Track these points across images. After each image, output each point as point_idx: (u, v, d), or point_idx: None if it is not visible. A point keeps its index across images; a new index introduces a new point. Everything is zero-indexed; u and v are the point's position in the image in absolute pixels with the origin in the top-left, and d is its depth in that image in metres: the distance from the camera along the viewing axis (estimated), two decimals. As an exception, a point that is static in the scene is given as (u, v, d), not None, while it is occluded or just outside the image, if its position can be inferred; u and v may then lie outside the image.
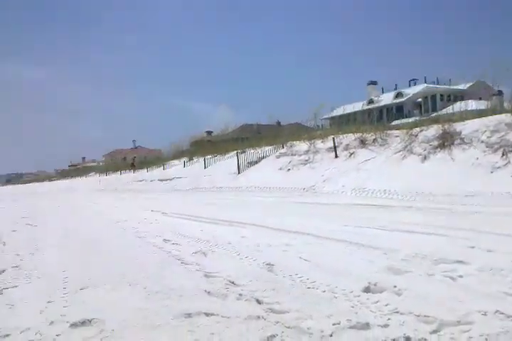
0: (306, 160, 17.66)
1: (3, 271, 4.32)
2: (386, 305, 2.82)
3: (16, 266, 4.50)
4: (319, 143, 18.37)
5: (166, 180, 28.39)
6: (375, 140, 15.43)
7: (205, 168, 26.86)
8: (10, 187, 59.37)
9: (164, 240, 5.74)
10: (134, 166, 41.45)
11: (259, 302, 3.02)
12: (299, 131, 23.58)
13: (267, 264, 4.10)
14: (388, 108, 44.63)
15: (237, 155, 23.09)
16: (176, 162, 33.59)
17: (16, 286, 3.75)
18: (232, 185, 19.81)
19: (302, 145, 19.31)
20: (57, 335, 2.56)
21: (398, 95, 45.51)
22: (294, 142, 20.58)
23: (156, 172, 33.89)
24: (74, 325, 2.66)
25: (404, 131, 14.67)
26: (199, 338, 2.37)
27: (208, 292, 3.27)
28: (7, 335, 2.65)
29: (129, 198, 18.33)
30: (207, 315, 2.76)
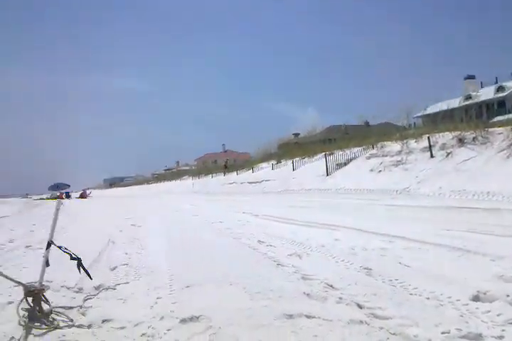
0: (399, 161, 17.03)
1: (115, 268, 4.68)
2: (499, 315, 2.65)
3: (126, 264, 4.85)
4: (412, 143, 17.64)
5: (255, 182, 28.92)
6: (475, 138, 14.46)
7: (293, 170, 26.97)
8: (113, 190, 63.99)
9: (259, 241, 5.87)
10: (226, 168, 42.73)
11: (360, 306, 2.98)
12: (390, 131, 22.81)
13: (365, 268, 4.03)
14: (488, 103, 41.50)
15: (325, 157, 22.92)
16: (264, 165, 34.11)
17: (127, 283, 4.04)
18: (321, 187, 19.69)
19: (394, 146, 18.67)
20: (167, 330, 2.73)
21: (499, 89, 42.10)
22: (385, 142, 19.96)
23: (246, 175, 34.68)
24: (183, 321, 2.82)
25: (509, 127, 13.60)
26: (303, 339, 2.41)
27: (307, 294, 3.30)
28: (122, 328, 2.88)
29: (220, 200, 18.96)
30: (308, 317, 2.78)
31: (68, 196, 39.64)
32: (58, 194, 42.87)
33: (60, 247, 3.24)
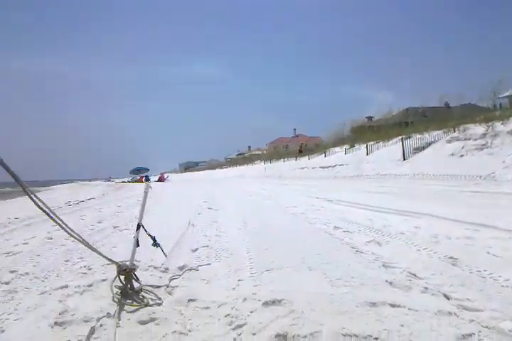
0: (483, 145, 16.01)
1: (196, 250, 4.86)
2: None
3: (206, 246, 5.01)
4: (499, 126, 16.47)
5: (328, 167, 28.59)
6: None
7: (367, 154, 26.31)
8: (188, 174, 66.16)
9: (335, 227, 5.81)
10: (301, 152, 42.52)
11: (447, 297, 2.87)
12: (472, 113, 21.42)
13: (450, 258, 3.86)
14: None
15: (402, 141, 22.09)
16: (336, 149, 33.57)
17: (209, 264, 4.18)
18: (397, 173, 19.04)
19: (477, 129, 17.55)
20: (251, 312, 2.79)
21: None
22: (467, 125, 18.81)
23: (318, 159, 34.36)
24: (265, 304, 2.88)
25: None
26: (389, 328, 2.36)
27: (390, 282, 3.22)
28: (207, 308, 2.99)
29: (293, 185, 18.96)
30: (392, 306, 2.72)
31: (148, 179, 41.60)
32: (138, 177, 45.33)
33: (146, 231, 3.43)
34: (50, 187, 42.99)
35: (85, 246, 3.04)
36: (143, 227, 3.36)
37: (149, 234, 3.43)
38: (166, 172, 60.63)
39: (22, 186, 2.43)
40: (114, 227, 6.90)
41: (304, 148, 45.53)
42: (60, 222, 2.72)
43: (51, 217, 2.66)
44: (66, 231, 2.82)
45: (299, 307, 2.75)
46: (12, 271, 4.17)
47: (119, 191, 22.85)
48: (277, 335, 2.38)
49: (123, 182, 45.19)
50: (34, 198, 2.48)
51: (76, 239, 2.95)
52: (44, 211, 2.60)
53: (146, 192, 3.40)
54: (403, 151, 21.50)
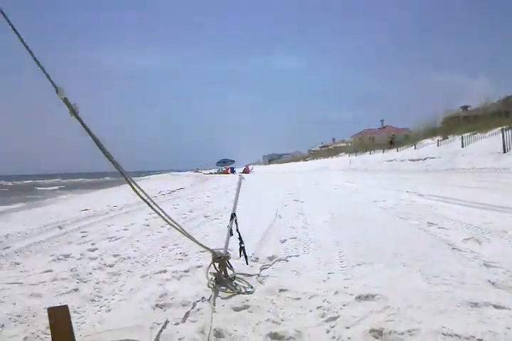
0: None
1: (284, 241, 4.90)
2: None
3: (294, 238, 5.04)
4: None
5: (418, 160, 27.35)
6: None
7: (462, 146, 24.76)
8: (271, 166, 66.82)
9: (428, 223, 5.55)
10: (392, 144, 40.99)
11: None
12: None
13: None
14: None
15: (503, 132, 20.47)
16: (428, 141, 31.96)
17: (298, 256, 4.20)
18: (497, 166, 17.72)
19: None
20: (343, 305, 2.76)
21: None
22: None
23: (407, 152, 32.99)
24: (358, 298, 2.83)
25: None
26: (494, 330, 2.21)
27: (493, 283, 3.02)
28: (298, 298, 3.01)
29: (380, 178, 18.41)
30: (496, 307, 2.55)
31: (233, 171, 42.66)
32: (224, 169, 46.66)
33: (236, 223, 3.51)
34: (144, 177, 45.65)
35: (182, 233, 3.20)
36: (235, 220, 3.46)
37: (238, 231, 3.52)
38: (250, 164, 61.70)
39: (125, 176, 2.60)
40: (205, 216, 7.18)
41: (394, 139, 43.77)
42: (158, 211, 2.88)
43: (150, 206, 2.83)
44: (164, 218, 2.98)
45: (394, 303, 2.67)
46: (115, 255, 4.51)
47: (207, 182, 23.71)
48: (372, 330, 2.34)
49: (210, 173, 46.72)
50: (135, 188, 2.65)
51: (173, 226, 3.10)
52: (144, 200, 2.76)
53: (239, 183, 3.48)
54: (504, 143, 19.93)
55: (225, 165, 49.05)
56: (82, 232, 6.24)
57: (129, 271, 3.86)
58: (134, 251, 4.69)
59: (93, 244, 5.14)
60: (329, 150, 68.57)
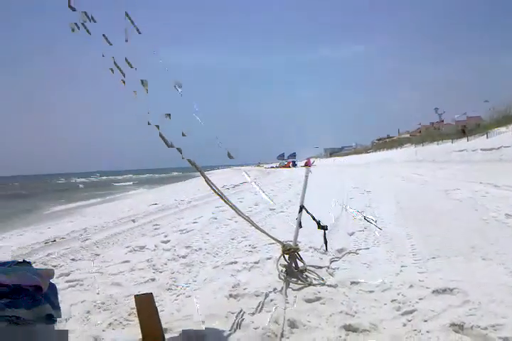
0: None
1: (353, 234, 4.83)
2: None
3: (362, 230, 4.95)
4: None
5: (491, 149, 25.79)
6: None
7: (542, 134, 23.07)
8: (333, 159, 65.79)
9: (507, 215, 5.23)
10: (464, 133, 38.94)
11: None
12: None
13: None
14: None
15: None
16: (502, 129, 30.06)
17: (368, 248, 4.13)
18: None
19: None
20: (419, 299, 2.69)
21: None
22: None
23: (478, 141, 31.24)
24: (436, 292, 2.74)
25: None
26: None
27: None
28: (371, 291, 2.96)
29: (451, 169, 17.59)
30: None
31: (295, 164, 42.54)
32: (286, 162, 46.67)
33: (309, 213, 3.50)
34: (209, 171, 46.66)
35: (252, 225, 3.25)
36: (306, 210, 3.45)
37: (314, 218, 3.48)
38: (311, 157, 61.21)
39: (200, 171, 2.69)
40: (271, 209, 7.23)
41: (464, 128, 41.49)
42: (230, 203, 2.95)
43: (223, 198, 2.90)
44: (236, 211, 3.04)
45: (475, 297, 2.56)
46: (187, 247, 4.66)
47: (269, 176, 23.85)
48: (452, 324, 2.26)
49: (272, 167, 46.91)
50: (209, 182, 2.73)
51: (244, 218, 3.17)
52: (217, 193, 2.84)
53: (306, 176, 3.47)
54: None
55: (287, 159, 49.03)
56: (154, 225, 6.51)
57: (201, 262, 3.98)
58: (205, 242, 4.82)
59: (166, 236, 5.34)
60: (393, 142, 66.42)
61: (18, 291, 1.78)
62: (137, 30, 2.15)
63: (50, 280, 1.98)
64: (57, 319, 1.93)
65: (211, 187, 2.74)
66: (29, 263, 2.09)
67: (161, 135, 2.32)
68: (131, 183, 43.18)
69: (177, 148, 2.40)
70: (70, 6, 1.95)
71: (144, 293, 1.73)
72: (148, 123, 2.24)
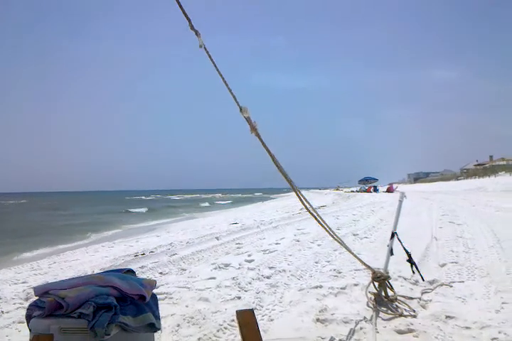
0: None
1: (444, 265, 4.57)
2: None
3: (455, 262, 4.67)
4: None
5: None
6: None
7: None
8: (417, 185, 63.08)
9: None
10: None
11: None
12: None
13: None
14: None
15: None
16: None
17: (462, 282, 3.89)
18: None
19: None
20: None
21: None
22: None
23: None
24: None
25: None
26: None
27: None
28: (468, 328, 2.77)
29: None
30: None
31: (376, 190, 41.31)
32: (367, 187, 45.49)
33: (400, 241, 3.37)
34: (286, 193, 46.74)
35: (345, 248, 3.22)
36: (397, 237, 3.33)
37: (405, 248, 3.35)
38: (394, 183, 59.14)
39: (295, 191, 2.73)
40: (354, 235, 7.06)
41: None
42: (324, 224, 2.95)
43: (316, 218, 2.91)
44: (328, 232, 3.04)
45: None
46: (271, 267, 4.68)
47: (350, 200, 23.31)
48: None
49: (352, 191, 45.92)
50: (304, 202, 2.76)
51: (337, 240, 3.15)
52: (311, 213, 2.86)
53: (400, 201, 3.36)
54: None
55: (368, 184, 47.78)
56: (237, 244, 6.62)
57: (285, 284, 3.97)
58: (288, 264, 4.81)
59: (249, 256, 5.41)
60: (485, 170, 62.37)
61: (125, 299, 1.90)
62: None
63: (153, 291, 2.09)
64: (159, 328, 2.02)
65: (305, 207, 2.77)
66: (134, 272, 2.22)
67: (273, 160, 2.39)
68: (226, 202, 44.23)
69: (277, 165, 2.46)
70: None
71: (245, 309, 1.77)
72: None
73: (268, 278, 4.23)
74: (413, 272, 3.37)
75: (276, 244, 6.38)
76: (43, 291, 1.81)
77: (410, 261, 3.33)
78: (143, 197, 77.60)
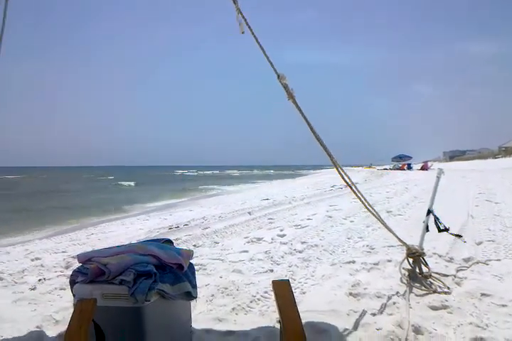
0: None
1: (480, 243, 4.49)
2: None
3: (492, 241, 4.58)
4: None
5: None
6: None
7: None
8: (454, 163, 61.58)
9: None
10: None
11: None
12: None
13: None
14: None
15: None
16: None
17: (499, 260, 3.81)
18: None
19: None
20: None
21: None
22: None
23: None
24: None
25: None
26: None
27: None
28: (504, 305, 2.73)
29: None
30: None
31: (410, 167, 40.56)
32: (400, 165, 44.70)
33: (436, 218, 3.31)
34: (317, 171, 46.53)
35: (381, 223, 3.19)
36: (432, 213, 3.28)
37: (439, 221, 3.29)
38: (429, 161, 57.83)
39: (335, 165, 2.73)
40: (387, 212, 6.99)
41: None
42: (362, 198, 2.94)
43: (355, 192, 2.91)
44: (366, 206, 3.02)
45: None
46: (303, 242, 4.71)
47: (383, 178, 22.99)
48: None
49: (384, 169, 45.20)
50: (345, 177, 2.77)
51: (374, 215, 3.13)
52: (349, 186, 2.87)
53: (438, 177, 3.29)
54: None
55: (402, 161, 46.85)
56: (269, 219, 6.68)
57: (318, 258, 4.00)
58: (320, 239, 4.83)
59: (281, 230, 5.46)
60: (526, 147, 60.02)
61: (164, 267, 1.95)
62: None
63: (190, 261, 2.15)
64: (195, 297, 2.09)
65: (345, 181, 2.77)
66: (172, 242, 2.28)
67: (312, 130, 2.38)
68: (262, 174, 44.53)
69: (316, 137, 2.45)
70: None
71: (281, 279, 1.80)
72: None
73: (300, 252, 4.27)
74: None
75: (308, 219, 6.39)
76: (86, 258, 1.89)
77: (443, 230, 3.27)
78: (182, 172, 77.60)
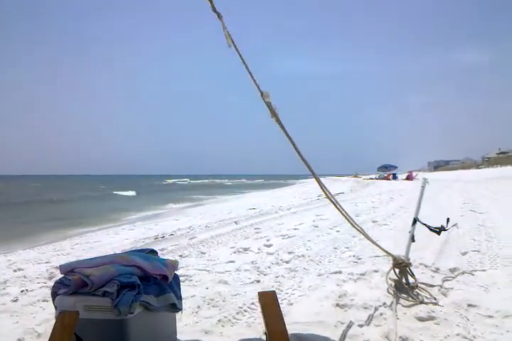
0: None
1: (466, 253, 4.50)
2: None
3: (477, 251, 4.60)
4: None
5: None
6: None
7: None
8: (438, 173, 62.23)
9: None
10: None
11: None
12: None
13: None
14: None
15: None
16: None
17: (484, 270, 3.83)
18: None
19: None
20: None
21: None
22: None
23: None
24: None
25: None
26: None
27: None
28: (490, 316, 2.74)
29: None
30: None
31: (395, 177, 40.88)
32: (386, 175, 45.05)
33: (426, 225, 3.31)
34: (303, 180, 46.64)
35: (363, 235, 3.18)
36: (419, 221, 3.29)
37: (430, 227, 3.29)
38: (414, 171, 58.39)
39: (315, 177, 2.70)
40: (373, 222, 7.01)
41: None
42: (343, 211, 2.92)
43: (335, 205, 2.88)
44: (347, 218, 3.00)
45: None
46: (290, 252, 4.69)
47: (368, 187, 23.11)
48: None
49: (370, 178, 45.50)
50: (324, 189, 2.74)
51: (356, 228, 3.12)
52: (330, 199, 2.84)
53: (423, 187, 3.31)
54: None
55: (387, 171, 47.24)
56: (256, 228, 6.64)
57: (304, 269, 3.97)
58: (307, 250, 4.81)
59: (268, 240, 5.43)
60: (508, 158, 61.05)
61: (148, 278, 1.92)
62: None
63: (175, 272, 2.11)
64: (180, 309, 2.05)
65: (325, 193, 2.74)
66: (156, 252, 2.24)
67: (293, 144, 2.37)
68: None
69: (297, 151, 2.43)
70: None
71: (267, 290, 1.78)
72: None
73: (287, 262, 4.24)
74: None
75: (295, 229, 6.38)
76: (68, 269, 1.84)
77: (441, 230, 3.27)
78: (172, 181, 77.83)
